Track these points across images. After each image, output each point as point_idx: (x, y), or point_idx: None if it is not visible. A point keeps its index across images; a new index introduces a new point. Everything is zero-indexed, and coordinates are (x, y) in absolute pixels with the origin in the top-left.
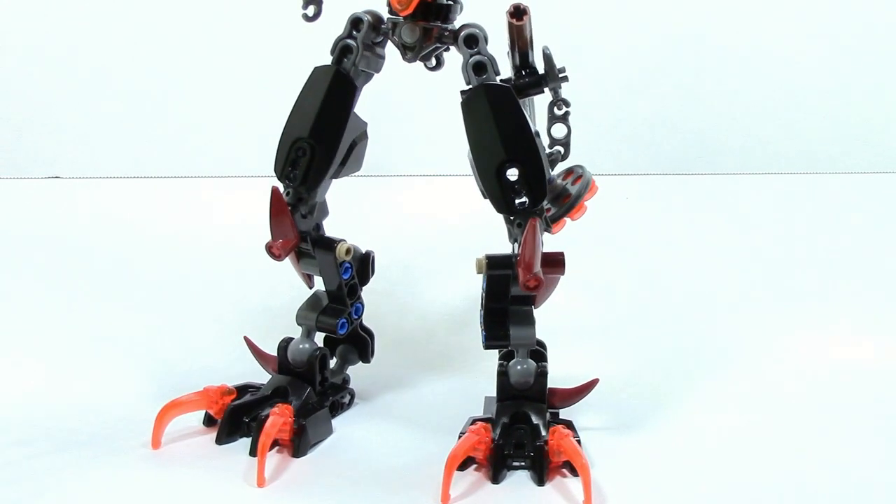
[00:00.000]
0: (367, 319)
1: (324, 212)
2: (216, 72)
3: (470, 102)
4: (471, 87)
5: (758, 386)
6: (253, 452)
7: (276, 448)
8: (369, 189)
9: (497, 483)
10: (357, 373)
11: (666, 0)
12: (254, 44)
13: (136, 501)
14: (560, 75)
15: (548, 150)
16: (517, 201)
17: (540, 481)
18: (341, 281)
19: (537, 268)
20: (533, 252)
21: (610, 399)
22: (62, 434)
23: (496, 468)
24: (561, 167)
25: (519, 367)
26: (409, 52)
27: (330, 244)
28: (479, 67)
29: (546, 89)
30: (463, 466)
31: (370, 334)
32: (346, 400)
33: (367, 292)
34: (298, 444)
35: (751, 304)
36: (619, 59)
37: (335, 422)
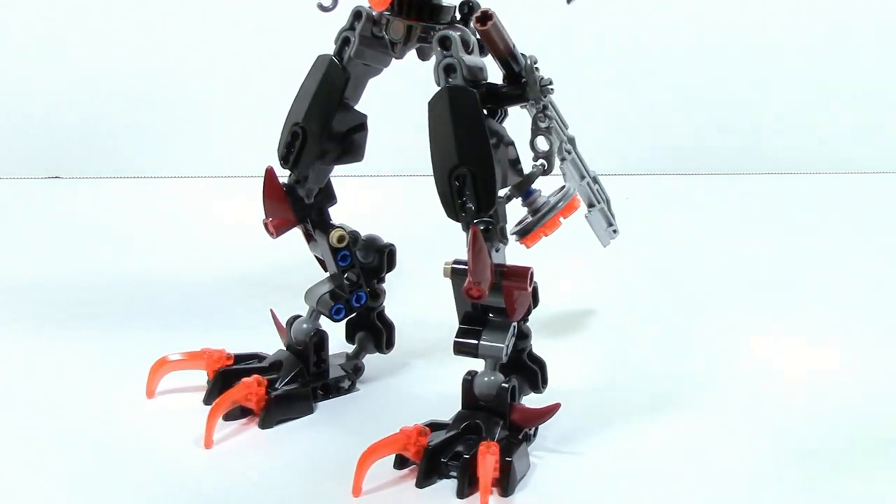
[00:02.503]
0: (392, 311)
1: (329, 198)
2: (218, 71)
3: (433, 104)
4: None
5: (737, 404)
6: (227, 417)
7: (249, 416)
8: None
9: (420, 487)
10: (374, 361)
11: (667, 0)
12: (254, 43)
13: (87, 429)
14: (542, 86)
15: (532, 164)
16: (466, 208)
17: (460, 493)
18: (338, 267)
19: (481, 277)
20: (473, 261)
21: (579, 413)
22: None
23: (421, 472)
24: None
25: (485, 379)
26: (395, 47)
27: (326, 229)
28: (449, 69)
29: (531, 100)
30: (402, 465)
31: (389, 325)
32: (346, 385)
33: (391, 284)
34: (265, 415)
35: (747, 309)
36: (620, 59)
37: (327, 404)
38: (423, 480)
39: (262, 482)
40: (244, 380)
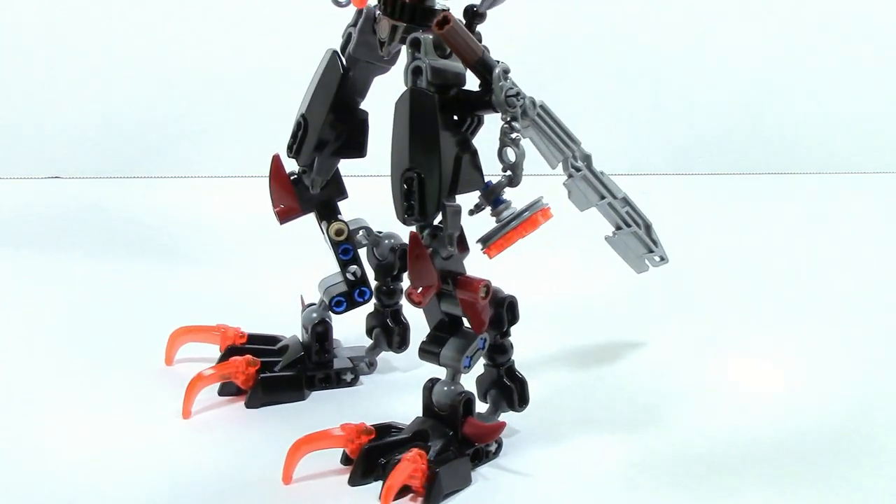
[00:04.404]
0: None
1: (339, 192)
2: (222, 70)
3: (397, 105)
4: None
5: (704, 427)
6: (223, 393)
7: (242, 395)
8: None
9: (352, 485)
10: (390, 358)
11: (668, 0)
12: (253, 43)
13: (93, 388)
14: (507, 97)
15: (501, 174)
16: (412, 211)
17: (380, 495)
18: (339, 260)
19: (419, 283)
20: (410, 266)
21: (546, 429)
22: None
23: (355, 470)
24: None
25: (444, 389)
26: (382, 46)
27: (329, 221)
28: (416, 72)
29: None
30: (348, 462)
31: (403, 325)
32: (348, 378)
33: None
34: (250, 395)
35: (739, 316)
36: (620, 59)
37: (323, 394)
38: (356, 478)
39: (208, 457)
40: (233, 358)
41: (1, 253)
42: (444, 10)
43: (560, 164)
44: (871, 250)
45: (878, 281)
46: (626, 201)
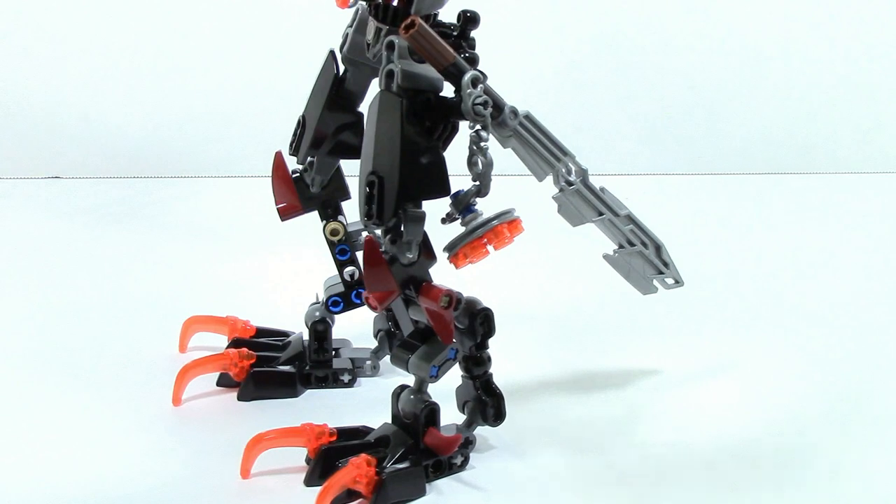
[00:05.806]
0: None
1: (342, 192)
2: (221, 71)
3: (370, 107)
4: None
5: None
6: (220, 383)
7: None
8: None
9: (307, 485)
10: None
11: (668, 1)
12: (253, 44)
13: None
14: (474, 104)
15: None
16: (372, 215)
17: None
18: (336, 261)
19: (373, 288)
20: (364, 271)
21: (512, 443)
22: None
23: (311, 470)
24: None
25: (410, 397)
26: (369, 48)
27: (327, 220)
28: (389, 75)
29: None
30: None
31: None
32: (346, 378)
33: None
34: (241, 388)
35: (734, 322)
36: (620, 60)
37: (318, 392)
38: (313, 479)
39: (180, 445)
40: (227, 350)
41: (1, 253)
42: (432, 15)
43: (549, 178)
44: (872, 251)
45: (879, 283)
46: (630, 219)
